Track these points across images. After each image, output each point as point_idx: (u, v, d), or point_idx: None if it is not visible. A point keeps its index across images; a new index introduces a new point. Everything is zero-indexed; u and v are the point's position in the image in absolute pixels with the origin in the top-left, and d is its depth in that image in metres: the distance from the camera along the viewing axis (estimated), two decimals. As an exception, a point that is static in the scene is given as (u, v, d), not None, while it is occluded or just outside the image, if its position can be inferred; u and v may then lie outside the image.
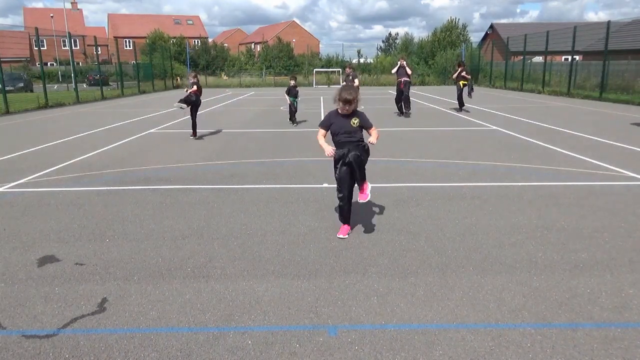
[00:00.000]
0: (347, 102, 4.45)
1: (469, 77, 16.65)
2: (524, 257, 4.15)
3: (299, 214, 5.43)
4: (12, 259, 4.22)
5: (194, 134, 11.23)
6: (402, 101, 15.30)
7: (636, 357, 2.74)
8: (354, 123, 4.55)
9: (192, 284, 3.72)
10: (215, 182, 6.98)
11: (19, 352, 2.85)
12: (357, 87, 13.01)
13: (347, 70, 14.53)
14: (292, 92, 13.26)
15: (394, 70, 15.66)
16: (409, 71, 15.13)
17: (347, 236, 4.68)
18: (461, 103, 16.42)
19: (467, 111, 16.23)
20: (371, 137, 4.61)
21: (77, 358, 2.79)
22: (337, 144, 4.58)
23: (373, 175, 7.30)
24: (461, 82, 16.27)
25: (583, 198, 5.93)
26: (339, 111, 4.57)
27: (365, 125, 4.59)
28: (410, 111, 15.48)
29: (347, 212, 4.76)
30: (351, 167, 4.49)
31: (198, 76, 11.40)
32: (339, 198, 4.71)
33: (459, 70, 16.40)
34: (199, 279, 3.79)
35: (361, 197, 4.66)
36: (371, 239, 4.61)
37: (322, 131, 4.65)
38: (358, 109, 4.64)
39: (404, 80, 15.02)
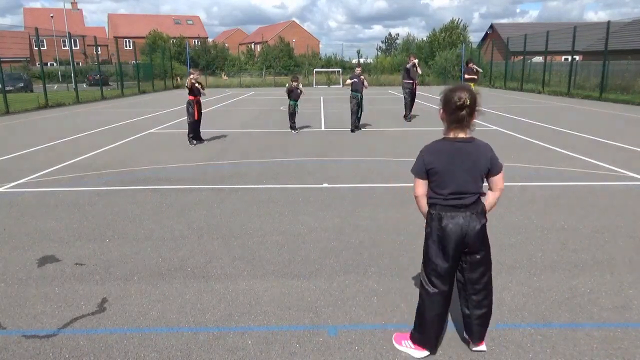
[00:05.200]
0: (462, 108, 2.44)
1: (476, 77, 16.12)
2: (524, 257, 4.15)
3: (299, 214, 5.42)
4: (12, 259, 4.22)
5: (196, 139, 10.41)
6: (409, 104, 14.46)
7: (636, 357, 2.74)
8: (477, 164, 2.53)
9: (192, 284, 3.72)
10: (215, 182, 6.97)
11: (19, 352, 2.85)
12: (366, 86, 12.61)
13: (357, 70, 12.82)
14: (293, 94, 11.99)
15: (408, 65, 14.21)
16: (419, 71, 14.28)
17: None
18: None
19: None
20: (489, 196, 2.66)
21: (77, 358, 2.79)
22: (437, 209, 2.59)
23: (372, 175, 7.31)
24: (471, 84, 15.92)
25: (583, 198, 5.93)
26: (449, 134, 2.56)
27: (495, 167, 2.60)
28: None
29: (437, 327, 2.74)
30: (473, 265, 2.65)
31: (194, 75, 10.07)
32: (426, 293, 2.69)
33: (473, 70, 15.74)
34: (199, 279, 3.79)
35: (478, 344, 2.81)
36: (371, 239, 4.60)
37: (420, 182, 2.63)
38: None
39: (415, 83, 14.19)
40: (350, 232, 4.80)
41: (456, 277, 2.72)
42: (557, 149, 9.25)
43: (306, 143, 10.42)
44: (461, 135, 2.55)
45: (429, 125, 13.26)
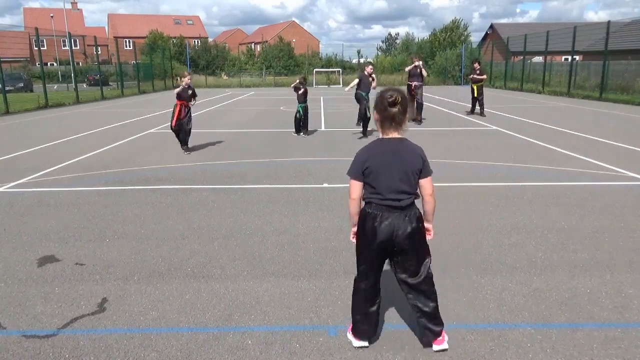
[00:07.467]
0: (394, 104, 2.53)
1: (483, 76, 15.53)
2: (524, 257, 4.15)
3: (299, 214, 5.43)
4: (12, 259, 4.22)
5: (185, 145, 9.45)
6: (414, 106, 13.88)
7: (636, 357, 2.74)
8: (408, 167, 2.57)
9: (192, 284, 3.72)
10: (215, 182, 6.98)
11: (19, 352, 2.85)
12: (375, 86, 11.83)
13: (369, 69, 11.41)
14: (299, 97, 11.33)
15: (407, 68, 14.03)
16: (424, 72, 13.66)
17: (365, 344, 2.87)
18: (473, 106, 15.59)
19: (483, 115, 15.16)
20: (426, 205, 2.71)
21: (77, 358, 2.79)
22: (372, 207, 2.63)
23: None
24: (475, 85, 15.27)
25: (583, 198, 5.93)
26: (383, 135, 2.64)
27: (426, 169, 2.62)
28: (421, 118, 13.86)
29: (368, 318, 2.81)
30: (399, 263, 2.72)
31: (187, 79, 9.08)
32: (357, 286, 2.82)
33: (478, 71, 15.32)
34: (199, 279, 3.79)
35: (437, 342, 2.79)
36: (371, 239, 4.60)
37: (356, 184, 2.64)
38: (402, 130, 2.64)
39: (416, 85, 13.52)
40: (350, 232, 4.78)
41: (396, 277, 2.80)
42: (557, 149, 9.25)
43: (306, 143, 10.42)
44: (395, 135, 2.62)
45: (428, 126, 13.26)
